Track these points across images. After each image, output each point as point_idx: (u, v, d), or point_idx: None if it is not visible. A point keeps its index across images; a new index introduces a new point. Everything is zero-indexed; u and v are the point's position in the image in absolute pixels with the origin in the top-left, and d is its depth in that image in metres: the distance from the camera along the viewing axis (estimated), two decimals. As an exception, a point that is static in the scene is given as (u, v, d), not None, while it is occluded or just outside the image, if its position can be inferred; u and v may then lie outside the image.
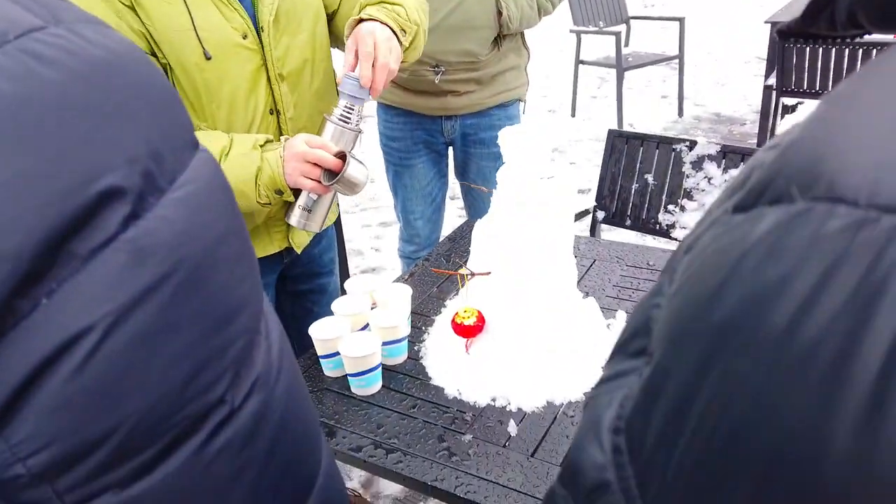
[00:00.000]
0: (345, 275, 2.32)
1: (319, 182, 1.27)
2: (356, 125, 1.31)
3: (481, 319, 1.32)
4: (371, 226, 3.91)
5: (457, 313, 1.34)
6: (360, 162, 1.30)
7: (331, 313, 1.44)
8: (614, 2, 5.60)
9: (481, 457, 1.17)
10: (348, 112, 1.30)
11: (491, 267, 1.35)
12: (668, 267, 0.29)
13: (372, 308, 1.48)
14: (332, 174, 1.26)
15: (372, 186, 4.27)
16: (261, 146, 1.25)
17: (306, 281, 1.67)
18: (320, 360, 1.39)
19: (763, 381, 0.21)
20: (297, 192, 1.32)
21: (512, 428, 1.23)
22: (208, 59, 1.21)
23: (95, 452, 0.32)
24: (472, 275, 1.36)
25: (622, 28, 5.31)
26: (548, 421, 1.25)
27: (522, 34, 2.16)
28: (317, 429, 0.44)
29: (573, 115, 5.44)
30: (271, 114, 1.33)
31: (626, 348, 0.29)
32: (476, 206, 2.34)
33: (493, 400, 1.29)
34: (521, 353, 1.31)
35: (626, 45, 5.87)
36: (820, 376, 0.20)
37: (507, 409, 1.28)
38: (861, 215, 0.20)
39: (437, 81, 2.02)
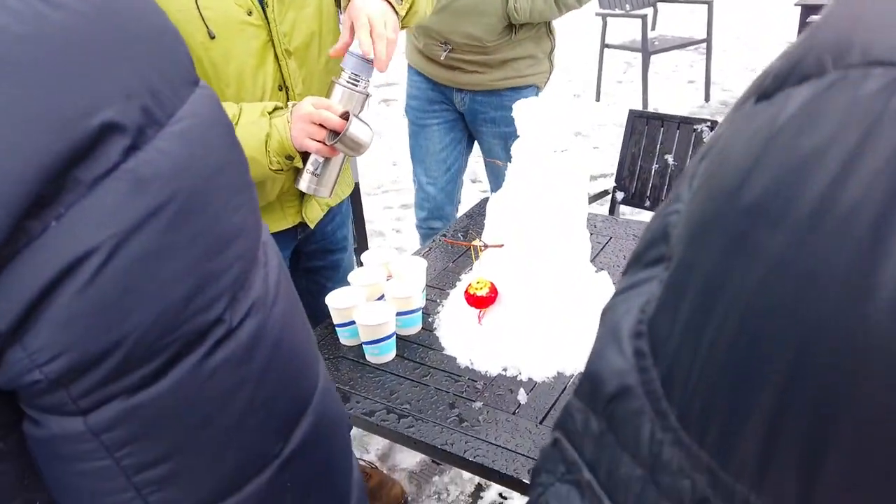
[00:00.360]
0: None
1: (324, 143, 1.27)
2: (364, 89, 1.30)
3: (494, 291, 1.34)
4: (393, 208, 3.94)
5: (470, 284, 1.36)
6: (364, 122, 1.29)
7: None
8: (641, -15, 5.53)
9: (491, 423, 1.20)
10: (355, 77, 1.29)
11: (504, 239, 1.36)
12: (684, 176, 0.29)
13: (388, 280, 1.50)
14: (336, 135, 1.26)
15: (394, 169, 4.29)
16: (269, 113, 1.26)
17: (320, 257, 1.68)
18: (336, 328, 1.42)
19: (800, 252, 0.21)
20: (306, 158, 1.33)
21: (522, 396, 1.25)
22: (212, 38, 1.20)
23: (104, 362, 0.35)
24: (486, 247, 1.37)
25: (649, 11, 5.24)
26: (557, 390, 1.26)
27: (548, 23, 2.14)
28: (313, 353, 0.47)
29: (597, 100, 5.40)
30: (280, 90, 1.33)
31: (642, 259, 0.29)
32: (496, 184, 2.35)
33: (505, 370, 1.31)
34: (533, 324, 1.33)
35: (653, 28, 5.81)
36: (861, 237, 0.20)
37: (518, 379, 1.30)
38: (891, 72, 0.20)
39: (442, 58, 2.10)
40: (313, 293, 1.66)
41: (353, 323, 1.37)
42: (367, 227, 2.90)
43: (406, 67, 2.33)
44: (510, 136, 2.19)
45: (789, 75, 0.23)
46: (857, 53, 0.22)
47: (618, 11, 5.22)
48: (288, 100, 1.35)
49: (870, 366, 0.20)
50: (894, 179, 0.19)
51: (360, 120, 1.28)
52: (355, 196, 2.60)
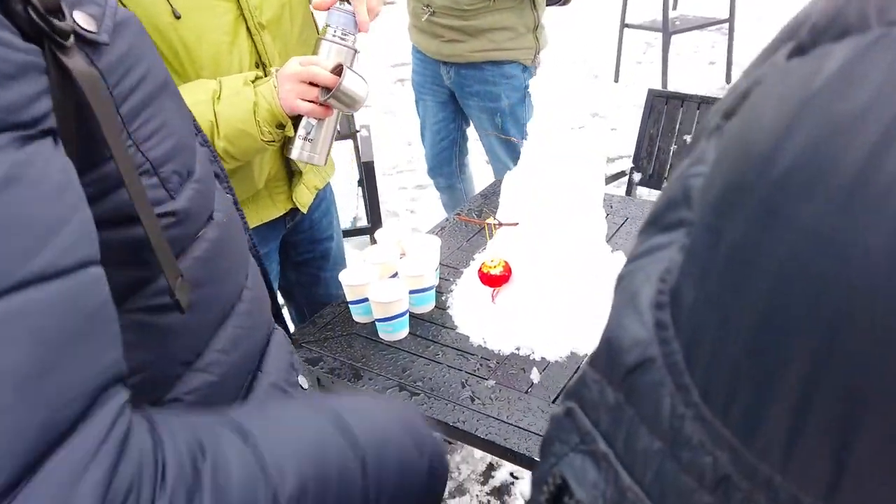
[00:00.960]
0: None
1: (317, 102, 1.18)
2: (353, 44, 1.23)
3: (508, 270, 1.33)
4: (407, 188, 3.93)
5: (484, 263, 1.35)
6: (358, 74, 1.20)
7: (336, 279, 1.47)
8: (663, -37, 5.42)
9: (503, 402, 1.19)
10: (344, 32, 1.22)
11: (519, 218, 1.35)
12: (704, 131, 0.27)
13: (401, 258, 1.50)
14: (329, 91, 1.17)
15: (409, 149, 4.27)
16: (251, 82, 1.19)
17: (308, 248, 1.61)
18: (349, 305, 1.42)
19: (837, 225, 0.20)
20: (296, 124, 1.24)
21: (535, 375, 1.24)
22: (178, 17, 1.14)
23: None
24: (500, 225, 1.36)
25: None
26: (570, 370, 1.26)
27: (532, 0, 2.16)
28: (245, 254, 0.64)
29: (616, 80, 5.33)
30: (257, 67, 1.26)
31: (660, 222, 0.27)
32: (493, 159, 2.47)
33: (517, 349, 1.31)
34: (547, 303, 1.32)
35: (675, 8, 5.71)
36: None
37: (531, 358, 1.29)
38: None
39: (423, 20, 2.21)
40: (306, 285, 1.64)
41: (366, 300, 1.37)
42: (382, 207, 2.89)
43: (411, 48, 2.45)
44: (495, 111, 2.28)
45: (828, 28, 0.22)
46: (878, 13, 0.20)
47: (638, -10, 5.13)
48: (266, 76, 1.25)
49: None
50: None
51: (354, 72, 1.19)
52: (370, 175, 2.59)
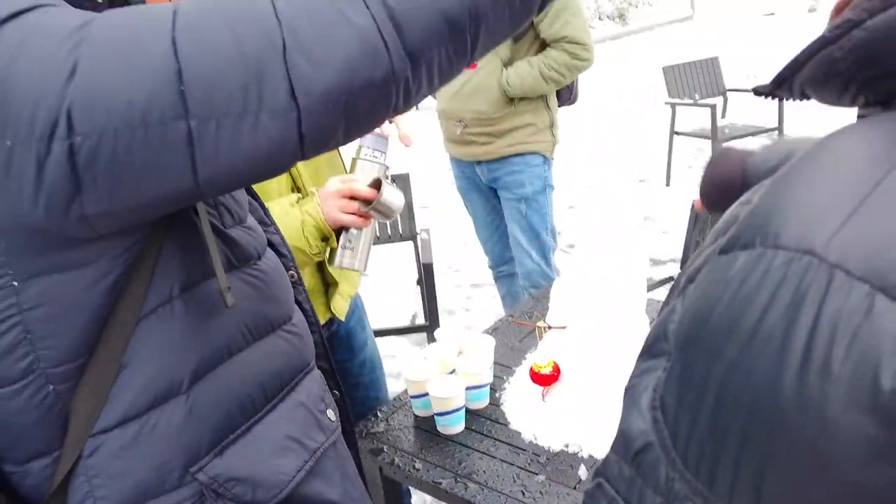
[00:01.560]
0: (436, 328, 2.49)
1: (358, 213, 1.31)
2: (384, 161, 1.37)
3: (557, 370, 1.44)
4: (462, 286, 4.09)
5: (534, 363, 1.46)
6: (394, 186, 1.34)
7: (375, 382, 1.60)
8: (711, 73, 5.67)
9: (552, 496, 1.27)
10: (374, 152, 1.36)
11: (567, 321, 1.47)
12: (675, 290, 0.41)
13: (458, 355, 1.62)
14: (368, 204, 1.31)
15: (464, 249, 4.47)
16: (296, 203, 1.33)
17: (347, 356, 1.69)
18: (411, 399, 1.54)
19: (743, 358, 0.33)
20: (337, 237, 1.36)
21: (583, 472, 1.32)
22: None
23: None
24: (549, 327, 1.48)
25: (718, 100, 5.36)
26: (617, 468, 1.33)
27: (545, 99, 2.54)
28: (290, 301, 0.93)
29: (667, 185, 5.48)
30: (293, 191, 1.41)
31: (650, 351, 0.41)
32: (521, 256, 2.75)
33: (566, 446, 1.39)
34: (594, 403, 1.41)
35: (724, 116, 5.90)
36: (775, 348, 0.32)
37: (579, 455, 1.37)
38: (791, 255, 0.33)
39: (458, 133, 2.58)
40: (346, 391, 1.67)
41: (426, 395, 1.49)
42: (439, 305, 3.04)
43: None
44: (520, 198, 2.62)
45: (737, 241, 0.36)
46: (772, 239, 0.34)
47: (687, 101, 5.36)
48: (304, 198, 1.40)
49: (783, 431, 0.32)
50: (788, 319, 0.32)
51: (390, 185, 1.34)
52: (429, 276, 2.76)
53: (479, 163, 2.67)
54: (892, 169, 0.33)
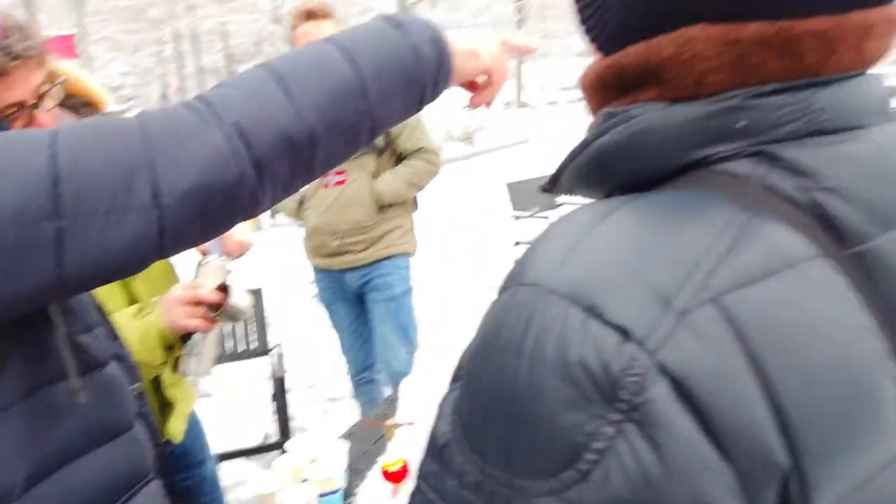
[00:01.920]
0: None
1: (205, 318, 1.30)
2: (226, 265, 1.39)
3: (406, 467, 1.47)
4: (318, 401, 4.01)
5: (386, 461, 1.49)
6: (240, 289, 1.34)
7: (218, 498, 1.58)
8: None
9: None
10: (219, 258, 1.39)
11: (415, 418, 1.52)
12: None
13: (311, 463, 1.61)
14: (214, 308, 1.31)
15: (319, 364, 4.41)
16: (138, 314, 1.31)
17: (186, 475, 1.63)
18: (261, 513, 1.50)
19: (499, 363, 0.41)
20: (182, 344, 1.35)
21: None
22: None
23: None
24: (397, 426, 1.52)
25: (554, 212, 5.87)
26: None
27: (408, 204, 2.80)
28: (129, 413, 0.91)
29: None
30: (130, 304, 1.40)
31: (454, 377, 0.48)
32: (385, 358, 2.81)
33: (420, 543, 1.40)
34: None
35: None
36: (515, 353, 0.40)
37: (433, 551, 1.39)
38: (529, 288, 0.42)
39: (336, 245, 2.72)
40: None
41: (276, 506, 1.45)
42: (294, 422, 2.97)
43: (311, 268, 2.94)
44: (392, 298, 2.74)
45: (504, 284, 0.46)
46: (519, 278, 0.45)
47: (526, 214, 5.83)
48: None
49: (519, 406, 0.41)
50: (524, 330, 0.41)
51: (236, 288, 1.34)
52: (280, 389, 2.71)
53: (350, 270, 2.79)
54: (603, 219, 0.44)
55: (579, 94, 0.59)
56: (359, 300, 2.90)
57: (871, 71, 0.48)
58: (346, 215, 2.70)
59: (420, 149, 2.74)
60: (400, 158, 2.78)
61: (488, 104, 0.88)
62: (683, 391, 0.36)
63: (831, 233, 0.42)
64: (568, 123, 14.59)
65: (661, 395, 0.36)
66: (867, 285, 0.41)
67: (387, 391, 2.82)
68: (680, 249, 0.40)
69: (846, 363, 0.39)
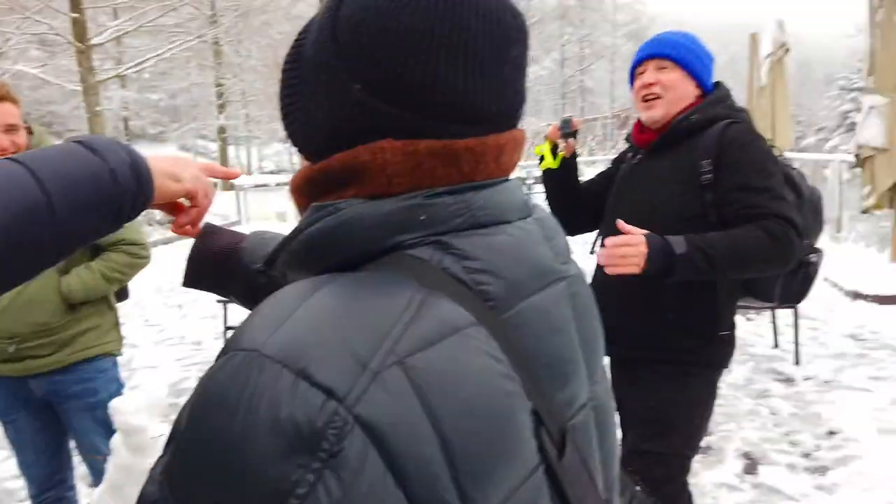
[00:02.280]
0: None
1: None
2: None
3: None
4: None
5: None
6: None
7: None
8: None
9: None
10: None
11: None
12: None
13: None
14: None
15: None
16: None
17: None
18: None
19: (214, 422, 0.45)
20: None
21: None
22: None
23: None
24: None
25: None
26: None
27: (107, 299, 2.48)
28: None
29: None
30: None
31: (166, 443, 0.50)
32: (94, 473, 2.45)
33: None
34: None
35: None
36: (232, 410, 0.44)
37: None
38: (245, 353, 0.46)
39: (12, 350, 2.27)
40: None
41: None
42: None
43: None
44: (96, 405, 2.39)
45: (222, 351, 0.49)
46: (236, 344, 0.48)
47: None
48: None
49: (234, 458, 0.44)
50: (240, 389, 0.45)
51: None
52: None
53: (34, 377, 2.37)
54: (311, 295, 0.50)
55: (286, 178, 0.65)
56: (47, 406, 2.48)
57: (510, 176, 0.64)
58: (27, 317, 2.32)
59: (121, 240, 2.47)
60: (98, 251, 2.48)
61: (194, 225, 0.92)
62: (375, 436, 0.43)
63: (487, 303, 0.54)
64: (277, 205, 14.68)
65: (355, 443, 0.43)
66: (511, 342, 0.54)
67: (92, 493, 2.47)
68: (374, 321, 0.48)
69: (493, 401, 0.50)
